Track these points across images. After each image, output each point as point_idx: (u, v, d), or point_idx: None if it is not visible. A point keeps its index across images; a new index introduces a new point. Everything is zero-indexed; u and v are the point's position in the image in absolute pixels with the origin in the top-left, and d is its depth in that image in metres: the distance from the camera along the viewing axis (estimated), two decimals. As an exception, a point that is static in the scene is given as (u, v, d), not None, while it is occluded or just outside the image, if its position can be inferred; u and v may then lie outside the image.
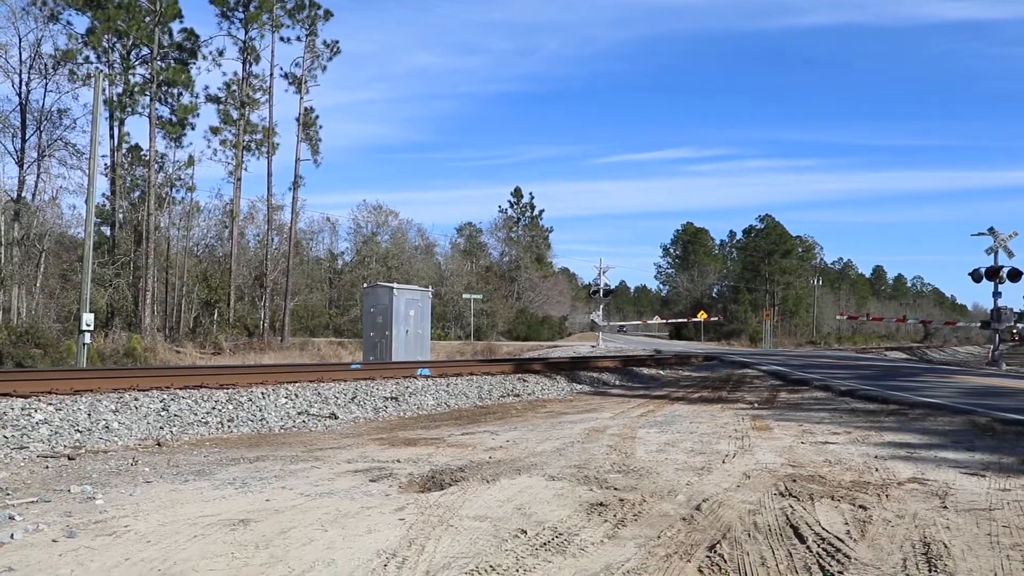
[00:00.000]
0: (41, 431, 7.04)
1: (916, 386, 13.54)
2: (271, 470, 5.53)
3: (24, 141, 32.72)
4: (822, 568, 3.30)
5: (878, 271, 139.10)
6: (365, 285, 24.00)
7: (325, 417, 9.20)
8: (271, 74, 41.00)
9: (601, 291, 37.43)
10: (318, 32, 41.59)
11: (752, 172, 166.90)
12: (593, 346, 37.23)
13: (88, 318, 19.88)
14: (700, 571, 3.28)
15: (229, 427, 8.20)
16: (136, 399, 8.59)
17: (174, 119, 38.03)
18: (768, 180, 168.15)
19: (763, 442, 6.96)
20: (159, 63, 36.19)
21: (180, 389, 9.53)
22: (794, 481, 5.08)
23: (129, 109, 36.53)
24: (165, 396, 8.93)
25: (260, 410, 9.07)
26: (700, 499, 4.54)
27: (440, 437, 7.43)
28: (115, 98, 35.63)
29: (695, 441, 7.01)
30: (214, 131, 40.39)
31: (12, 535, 3.65)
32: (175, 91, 37.65)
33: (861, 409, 10.02)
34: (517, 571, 3.23)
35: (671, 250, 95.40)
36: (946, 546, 3.61)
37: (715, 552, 3.51)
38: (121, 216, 39.00)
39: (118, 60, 36.18)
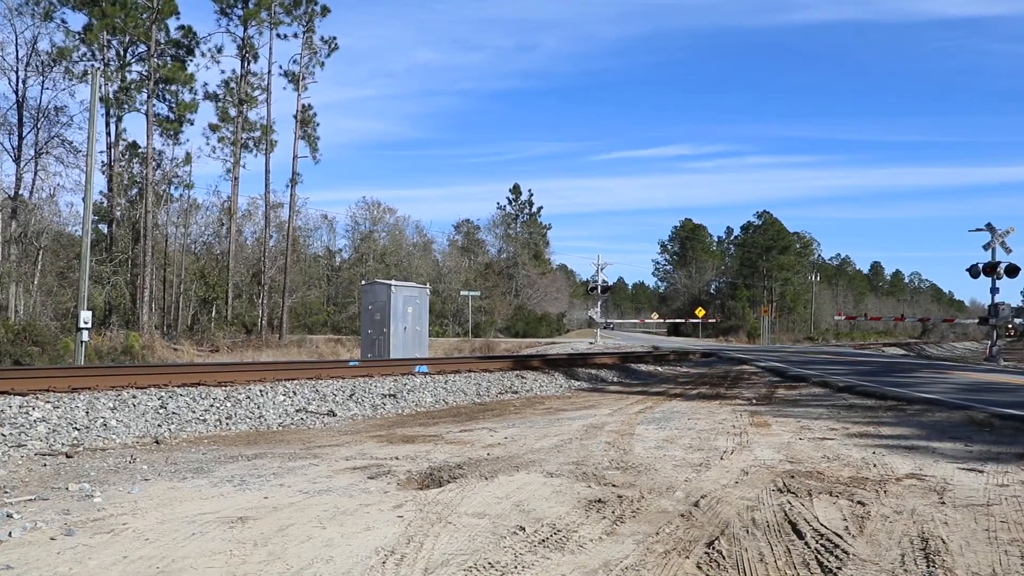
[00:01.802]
0: (39, 429, 7.04)
1: (914, 382, 13.56)
2: (269, 468, 5.53)
3: (21, 138, 32.66)
4: (820, 564, 3.31)
5: (876, 267, 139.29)
6: (363, 282, 24.00)
7: (323, 414, 9.19)
8: (269, 71, 40.97)
9: (599, 288, 37.45)
10: (315, 29, 41.55)
11: (750, 168, 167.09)
12: (591, 343, 37.25)
13: (86, 316, 19.86)
14: (698, 567, 3.29)
15: (227, 425, 8.19)
16: (134, 397, 8.58)
17: (172, 116, 37.97)
18: (766, 176, 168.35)
19: (761, 438, 6.97)
20: (156, 60, 36.12)
21: (178, 387, 9.52)
22: (792, 477, 5.09)
23: (126, 106, 36.48)
24: (163, 394, 8.92)
25: (258, 408, 9.06)
26: (698, 495, 4.54)
27: (438, 434, 7.43)
28: (112, 95, 35.56)
29: (693, 437, 7.02)
30: (213, 128, 40.37)
31: (10, 533, 3.65)
32: (173, 88, 37.59)
33: (859, 405, 10.03)
34: (516, 568, 3.23)
35: (669, 247, 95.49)
36: (944, 542, 3.62)
37: (713, 548, 3.51)
38: (119, 213, 38.94)
39: (115, 57, 36.11)
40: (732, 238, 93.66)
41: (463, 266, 64.29)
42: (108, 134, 36.66)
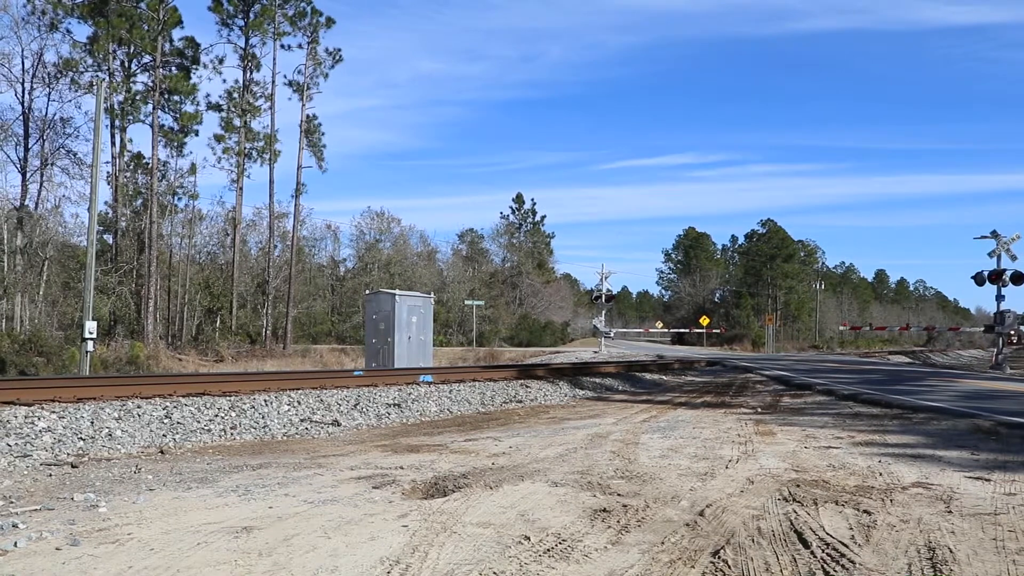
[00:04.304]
0: (44, 439, 7.05)
1: (919, 390, 13.51)
2: (274, 477, 5.53)
3: (27, 150, 32.84)
4: (827, 573, 3.29)
5: (880, 275, 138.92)
6: (367, 292, 24.02)
7: (328, 424, 9.19)
8: (273, 81, 41.18)
9: (603, 297, 37.43)
10: (320, 40, 41.82)
11: (754, 177, 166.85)
12: (595, 352, 37.22)
13: (91, 326, 19.91)
14: (704, 577, 3.27)
15: (232, 434, 8.20)
16: (139, 407, 8.59)
17: (176, 127, 38.14)
18: (770, 185, 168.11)
19: (766, 447, 6.95)
20: (161, 71, 36.32)
21: (183, 396, 9.53)
22: (798, 486, 5.07)
23: (131, 117, 36.65)
24: (168, 403, 8.93)
25: (263, 417, 9.07)
26: (703, 504, 4.53)
27: (443, 443, 7.42)
28: (117, 106, 35.74)
29: (698, 446, 7.00)
30: (218, 139, 40.55)
31: (16, 543, 3.65)
32: (177, 99, 37.77)
33: (864, 413, 10.00)
34: (521, 578, 3.23)
35: (673, 255, 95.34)
36: (951, 551, 3.60)
37: (719, 558, 3.50)
38: (124, 224, 39.07)
39: (119, 68, 36.32)
40: (736, 246, 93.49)
41: (467, 275, 64.30)
42: (113, 145, 36.82)
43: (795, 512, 4.34)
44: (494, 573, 3.26)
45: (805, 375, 18.20)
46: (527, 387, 13.98)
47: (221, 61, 39.75)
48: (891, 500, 4.67)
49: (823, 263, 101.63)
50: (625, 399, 13.23)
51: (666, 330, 69.11)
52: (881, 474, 5.55)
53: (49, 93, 33.77)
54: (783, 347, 66.29)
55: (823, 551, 3.59)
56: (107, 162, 36.24)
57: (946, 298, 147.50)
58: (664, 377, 18.74)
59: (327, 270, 61.20)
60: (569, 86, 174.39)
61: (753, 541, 3.77)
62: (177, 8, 36.45)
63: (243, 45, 40.40)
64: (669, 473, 5.60)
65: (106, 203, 38.12)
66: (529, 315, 64.62)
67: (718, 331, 66.99)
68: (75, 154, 34.20)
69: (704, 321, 60.32)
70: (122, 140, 37.33)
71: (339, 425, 9.19)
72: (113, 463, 6.29)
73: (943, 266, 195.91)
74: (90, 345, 19.98)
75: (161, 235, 38.97)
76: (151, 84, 36.17)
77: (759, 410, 10.65)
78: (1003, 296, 25.30)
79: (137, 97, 36.47)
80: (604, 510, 4.40)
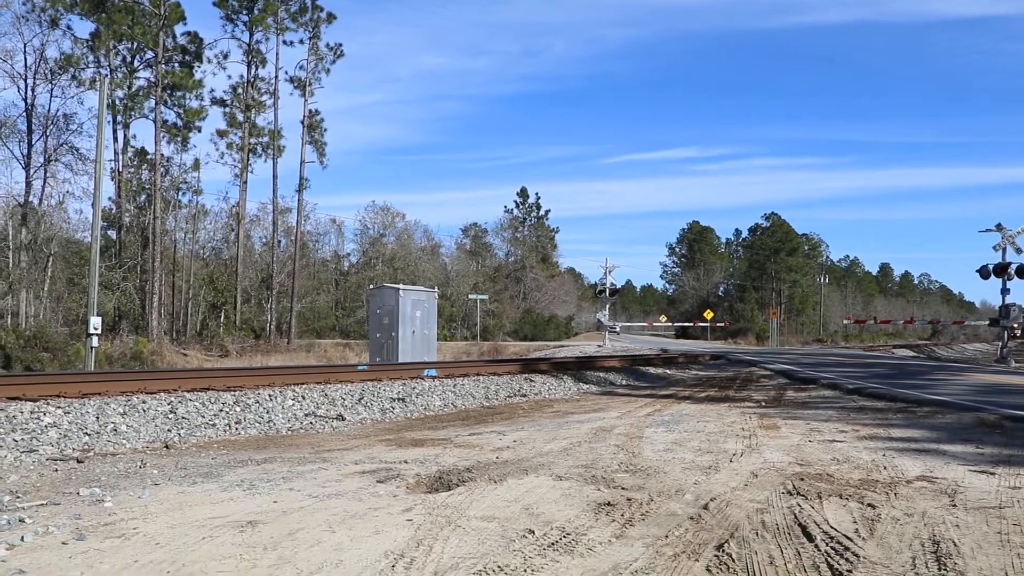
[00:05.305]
0: (50, 434, 7.07)
1: (924, 384, 13.50)
2: (279, 472, 5.54)
3: (30, 146, 32.86)
4: (831, 567, 3.29)
5: (885, 268, 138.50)
6: (371, 286, 24.03)
7: (332, 419, 9.21)
8: (276, 77, 41.11)
9: (607, 291, 37.41)
10: (321, 35, 41.73)
11: (758, 170, 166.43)
12: (599, 346, 37.21)
13: (96, 321, 19.97)
14: (708, 570, 3.28)
15: (237, 429, 8.22)
16: (144, 402, 8.61)
17: (179, 123, 38.15)
18: (774, 178, 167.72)
19: (771, 441, 6.95)
20: (164, 67, 36.30)
21: (187, 392, 9.56)
22: (802, 480, 5.07)
23: (134, 113, 36.67)
24: (173, 399, 8.96)
25: (267, 412, 9.09)
26: (708, 498, 4.53)
27: (447, 438, 7.43)
28: (119, 102, 35.74)
29: (702, 440, 7.00)
30: (221, 134, 40.49)
31: (22, 538, 3.67)
32: (180, 95, 37.76)
33: (869, 407, 9.99)
34: (525, 571, 3.23)
35: (677, 249, 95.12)
36: (956, 544, 3.60)
37: (723, 551, 3.50)
38: (127, 219, 39.14)
39: (122, 64, 36.32)
40: (740, 240, 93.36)
41: (471, 269, 64.29)
42: (116, 140, 36.88)
43: (799, 506, 4.35)
44: (498, 567, 3.27)
45: (809, 369, 18.19)
46: (531, 381, 13.99)
47: (226, 56, 39.77)
48: (895, 494, 4.67)
49: (827, 257, 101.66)
50: (629, 393, 13.23)
51: (670, 324, 68.86)
52: (885, 468, 5.55)
53: (52, 89, 33.78)
54: (787, 341, 66.24)
55: (827, 544, 3.59)
56: (110, 159, 36.34)
57: (951, 291, 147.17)
58: (668, 371, 18.74)
59: (331, 265, 61.20)
60: (572, 80, 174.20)
61: (757, 535, 3.77)
62: (180, 4, 36.42)
63: (247, 41, 40.38)
64: (673, 467, 5.60)
65: (110, 199, 38.25)
66: (533, 309, 64.60)
67: (722, 325, 66.77)
68: (78, 150, 34.21)
69: (708, 315, 60.17)
70: (125, 136, 37.43)
71: (343, 420, 9.20)
72: (118, 458, 6.31)
73: (948, 259, 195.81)
74: (95, 341, 20.04)
75: (165, 230, 39.02)
76: (154, 80, 36.16)
77: (763, 404, 10.64)
78: (1008, 289, 25.27)
79: (140, 93, 36.48)
80: (608, 504, 4.40)
